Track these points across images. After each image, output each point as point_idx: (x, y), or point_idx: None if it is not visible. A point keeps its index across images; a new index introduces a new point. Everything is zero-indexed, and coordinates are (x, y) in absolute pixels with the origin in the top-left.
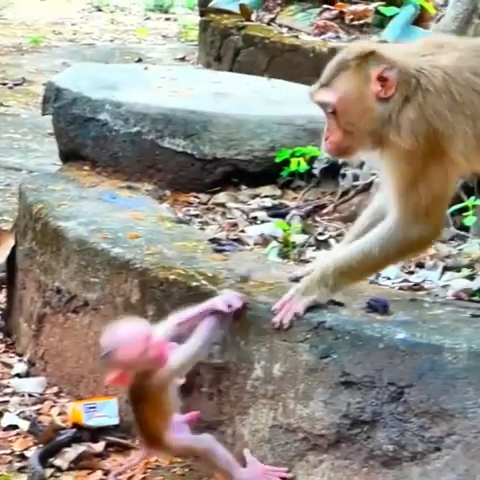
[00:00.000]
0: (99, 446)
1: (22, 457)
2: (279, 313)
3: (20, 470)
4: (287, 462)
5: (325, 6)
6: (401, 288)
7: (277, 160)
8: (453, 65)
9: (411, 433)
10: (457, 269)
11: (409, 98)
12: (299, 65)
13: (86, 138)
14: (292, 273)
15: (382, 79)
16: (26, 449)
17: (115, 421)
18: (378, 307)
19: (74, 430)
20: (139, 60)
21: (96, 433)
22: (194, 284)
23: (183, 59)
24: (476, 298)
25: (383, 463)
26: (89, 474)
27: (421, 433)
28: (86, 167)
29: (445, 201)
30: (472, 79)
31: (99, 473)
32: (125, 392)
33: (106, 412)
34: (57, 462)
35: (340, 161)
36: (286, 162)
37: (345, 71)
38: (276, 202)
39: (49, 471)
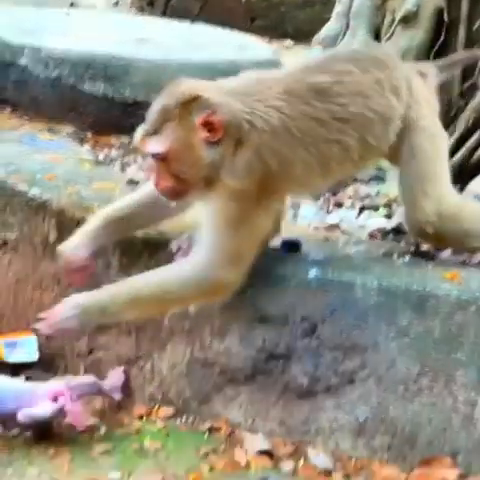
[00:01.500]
0: None
1: None
2: (45, 321)
3: None
4: (205, 395)
5: None
6: (318, 227)
7: None
8: (286, 103)
9: (325, 367)
10: (375, 209)
11: (242, 139)
12: (231, 10)
13: (7, 82)
14: None
15: (207, 124)
16: None
17: (35, 357)
18: (291, 246)
19: None
20: (72, 4)
21: (16, 369)
22: None
23: (117, 4)
24: (390, 237)
25: (298, 395)
26: None
27: (334, 366)
28: (7, 111)
29: (258, 246)
30: (306, 109)
31: None
32: None
33: (26, 348)
34: None
35: None
36: None
37: (171, 121)
38: None
39: None
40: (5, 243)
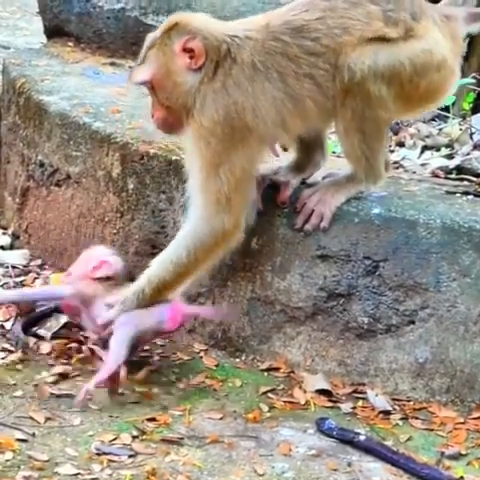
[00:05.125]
0: None
1: (2, 327)
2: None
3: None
4: (265, 334)
5: None
6: None
7: None
8: (260, 36)
9: (386, 306)
10: (436, 148)
11: (219, 64)
12: None
13: (70, 14)
14: None
15: (188, 50)
16: (8, 319)
17: None
18: None
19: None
20: None
21: None
22: (174, 158)
23: None
24: (452, 176)
25: (358, 335)
26: (66, 344)
27: (395, 306)
28: (70, 43)
29: (249, 186)
30: (275, 44)
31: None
32: None
33: None
34: (41, 332)
35: None
36: None
37: (153, 48)
38: None
39: (32, 340)
40: (68, 177)
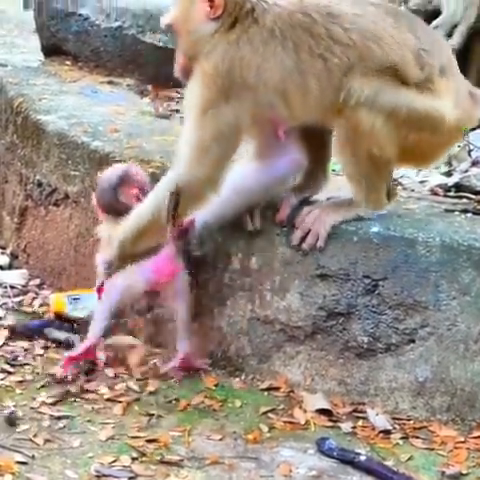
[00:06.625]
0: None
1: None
2: None
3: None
4: (264, 353)
5: None
6: None
7: None
8: (290, 8)
9: (385, 325)
10: (435, 166)
11: (238, 20)
12: None
13: (68, 33)
14: None
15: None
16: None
17: None
18: None
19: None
20: None
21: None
22: None
23: None
24: (451, 193)
25: (358, 354)
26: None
27: (395, 325)
28: (68, 62)
29: (230, 145)
30: (303, 19)
31: None
32: None
33: (89, 304)
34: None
35: None
36: None
37: None
38: None
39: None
40: (67, 196)
